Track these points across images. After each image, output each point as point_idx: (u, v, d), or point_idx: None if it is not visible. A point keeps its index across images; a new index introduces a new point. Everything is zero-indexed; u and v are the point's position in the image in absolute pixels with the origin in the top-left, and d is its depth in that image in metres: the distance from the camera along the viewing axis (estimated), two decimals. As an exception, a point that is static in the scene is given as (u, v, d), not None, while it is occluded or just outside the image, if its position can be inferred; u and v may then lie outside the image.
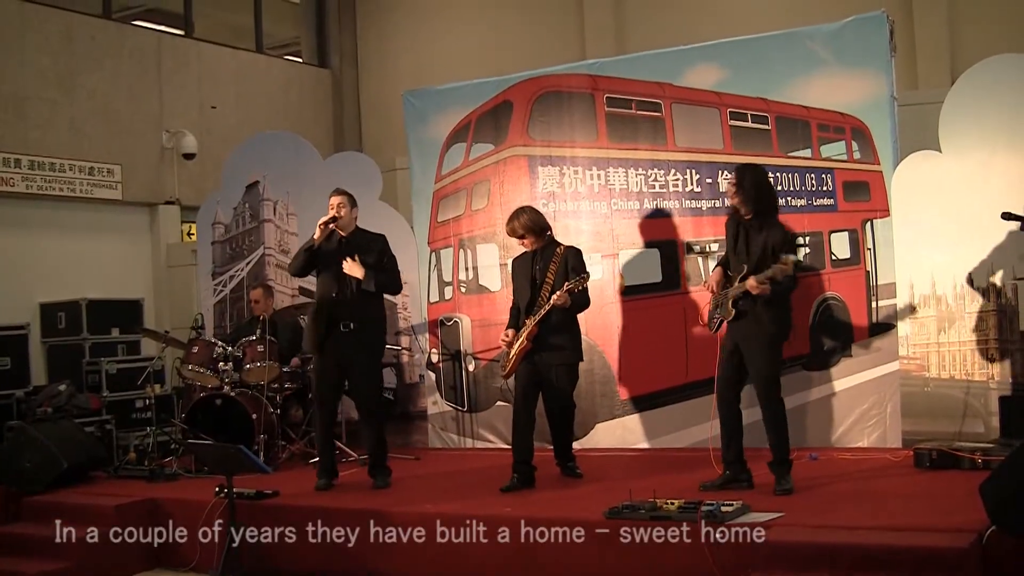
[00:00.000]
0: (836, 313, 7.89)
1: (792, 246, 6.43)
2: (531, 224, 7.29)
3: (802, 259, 6.32)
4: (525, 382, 7.19)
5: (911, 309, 7.62)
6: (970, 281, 7.40)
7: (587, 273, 7.15)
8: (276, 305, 9.53)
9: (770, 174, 7.03)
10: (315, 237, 7.42)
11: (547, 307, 7.02)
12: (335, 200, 7.45)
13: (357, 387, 7.54)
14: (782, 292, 6.31)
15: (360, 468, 7.90)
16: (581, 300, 7.18)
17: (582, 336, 7.42)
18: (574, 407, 7.45)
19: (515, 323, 7.31)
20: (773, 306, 6.33)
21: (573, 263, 7.21)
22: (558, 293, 6.97)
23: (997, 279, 7.31)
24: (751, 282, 6.23)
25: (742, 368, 6.47)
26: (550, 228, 7.44)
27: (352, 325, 7.35)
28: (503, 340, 7.32)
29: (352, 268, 7.35)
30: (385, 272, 7.52)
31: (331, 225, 7.42)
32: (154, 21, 14.26)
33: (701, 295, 8.17)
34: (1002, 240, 7.12)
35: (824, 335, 7.89)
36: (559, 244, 7.35)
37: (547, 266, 7.19)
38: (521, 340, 7.13)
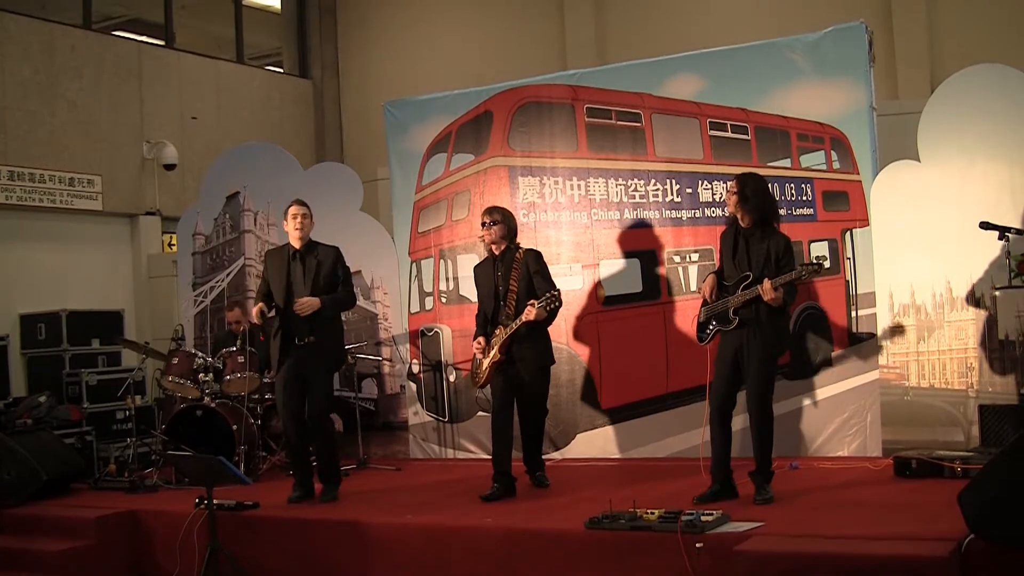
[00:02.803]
0: (816, 323, 7.91)
1: (792, 255, 6.36)
2: (509, 217, 7.28)
3: (826, 262, 6.28)
4: (502, 391, 7.15)
5: (891, 319, 7.65)
6: (949, 290, 7.45)
7: (556, 289, 6.98)
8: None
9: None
10: (253, 319, 7.47)
11: (519, 322, 6.93)
12: (296, 210, 7.35)
13: (313, 400, 7.36)
14: (787, 302, 6.27)
15: (344, 479, 7.88)
16: (555, 313, 7.11)
17: (565, 347, 7.41)
18: (547, 413, 7.44)
19: (483, 331, 7.27)
20: (776, 316, 6.30)
21: (535, 267, 7.15)
22: (532, 310, 6.84)
23: (976, 288, 7.35)
24: (766, 285, 6.09)
25: (740, 384, 6.41)
26: (517, 233, 7.40)
27: (308, 339, 7.29)
28: (476, 348, 7.29)
29: (304, 308, 7.19)
30: (339, 286, 7.41)
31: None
32: (135, 31, 14.26)
33: (681, 304, 8.20)
34: (981, 249, 7.13)
35: (804, 345, 7.91)
36: (518, 248, 7.28)
37: (509, 273, 7.13)
38: (493, 353, 7.10)
